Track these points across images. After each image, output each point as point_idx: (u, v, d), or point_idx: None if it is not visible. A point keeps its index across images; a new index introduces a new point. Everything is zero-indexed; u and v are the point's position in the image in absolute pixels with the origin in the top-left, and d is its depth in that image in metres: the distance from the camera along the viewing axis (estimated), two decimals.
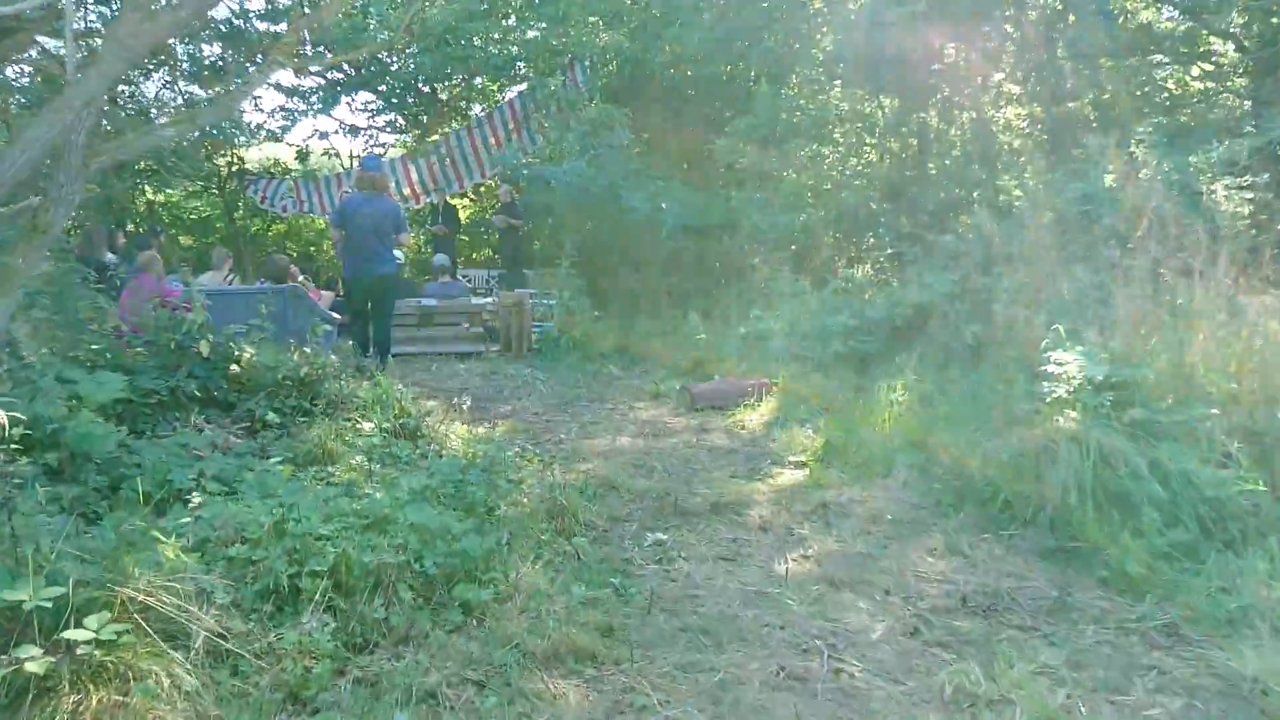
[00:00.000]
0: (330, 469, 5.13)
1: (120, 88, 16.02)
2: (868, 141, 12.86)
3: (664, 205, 11.60)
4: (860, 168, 12.48)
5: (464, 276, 15.34)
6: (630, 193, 11.33)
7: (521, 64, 13.56)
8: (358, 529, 3.74)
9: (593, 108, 12.10)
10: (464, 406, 7.18)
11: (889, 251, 11.20)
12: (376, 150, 16.46)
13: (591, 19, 12.81)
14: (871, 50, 11.11)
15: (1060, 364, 4.82)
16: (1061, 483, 4.20)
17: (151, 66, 15.31)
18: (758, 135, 12.22)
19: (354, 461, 5.13)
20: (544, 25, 12.92)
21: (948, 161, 11.64)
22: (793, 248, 12.16)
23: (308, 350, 6.40)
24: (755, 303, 10.82)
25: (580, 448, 6.42)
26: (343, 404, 6.23)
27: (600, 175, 11.39)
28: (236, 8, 14.97)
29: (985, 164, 10.94)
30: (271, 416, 5.89)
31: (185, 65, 14.75)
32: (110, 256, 10.74)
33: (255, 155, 18.15)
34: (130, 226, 16.86)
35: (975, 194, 10.85)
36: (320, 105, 14.25)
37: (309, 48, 14.72)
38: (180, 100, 15.63)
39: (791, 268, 10.44)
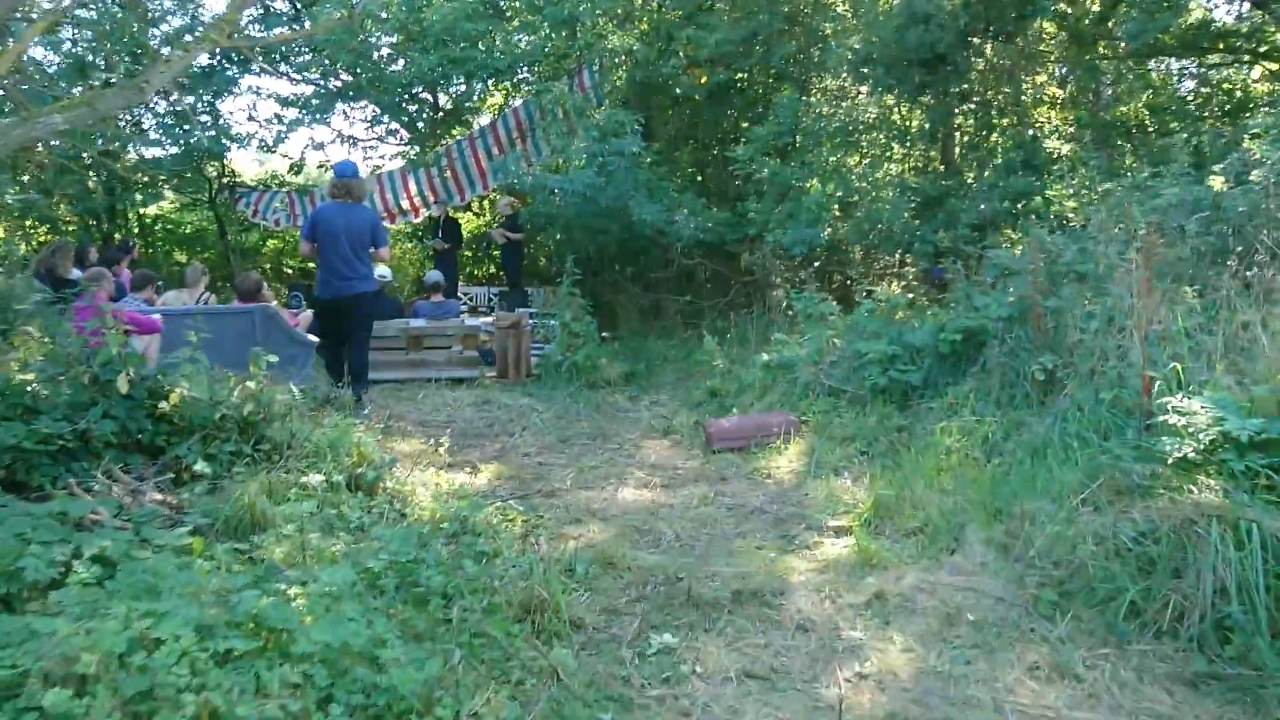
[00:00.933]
0: (256, 538, 4.04)
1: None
2: (897, 150, 11.75)
3: (677, 218, 10.50)
4: (890, 177, 11.35)
5: (466, 294, 14.31)
6: (641, 204, 10.25)
7: (525, 68, 12.49)
8: (244, 656, 2.63)
9: (601, 113, 11.03)
10: (442, 448, 6.07)
11: (924, 267, 10.07)
12: (377, 161, 15.47)
13: (600, 19, 11.75)
14: (903, 50, 10.01)
15: (1185, 413, 3.68)
16: (1214, 581, 3.05)
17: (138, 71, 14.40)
18: (779, 143, 11.13)
19: (286, 531, 4.02)
20: (550, 26, 11.85)
21: (988, 170, 10.51)
22: (816, 264, 11.08)
23: (252, 384, 5.30)
24: (777, 325, 9.71)
25: (575, 502, 5.29)
26: (292, 449, 5.13)
27: (609, 185, 10.31)
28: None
29: (1030, 172, 9.80)
30: (201, 466, 4.80)
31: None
32: (76, 273, 9.71)
33: (255, 169, 17.22)
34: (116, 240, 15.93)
35: (1020, 205, 9.72)
36: (314, 114, 13.24)
37: (310, 55, 13.78)
38: (166, 107, 14.71)
39: (817, 286, 9.30)
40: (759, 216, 10.77)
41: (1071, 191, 8.95)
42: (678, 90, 12.84)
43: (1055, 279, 6.61)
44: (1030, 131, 10.56)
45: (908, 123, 11.09)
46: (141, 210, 16.36)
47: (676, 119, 14.11)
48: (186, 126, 13.52)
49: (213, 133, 13.86)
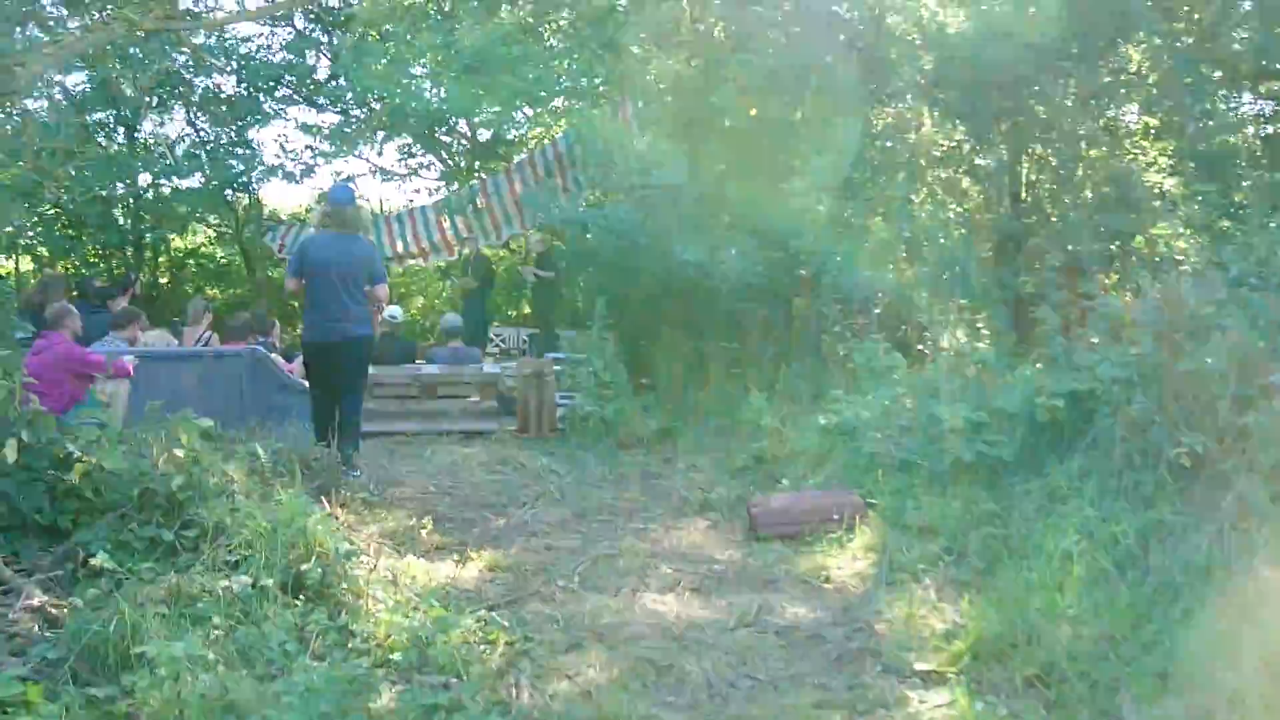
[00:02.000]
0: (127, 679, 2.91)
1: (144, 126, 14.54)
2: (969, 185, 10.48)
3: (724, 258, 9.33)
4: (962, 214, 10.09)
5: (498, 336, 13.27)
6: (683, 242, 9.10)
7: (563, 96, 11.50)
8: None
9: (642, 143, 9.96)
10: (424, 530, 4.93)
11: (1004, 315, 8.75)
12: (410, 195, 14.56)
13: (644, 44, 10.73)
14: (980, 71, 8.80)
15: None
16: None
17: (165, 97, 13.75)
18: (837, 178, 9.93)
19: (163, 672, 2.88)
20: (590, 51, 10.86)
21: (1074, 210, 9.21)
22: (877, 311, 9.80)
23: (181, 451, 4.20)
24: (834, 379, 8.45)
25: (580, 613, 4.08)
26: (225, 534, 4.01)
27: (648, 221, 9.20)
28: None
29: (1126, 208, 8.50)
30: (103, 558, 3.70)
31: (197, 97, 13.14)
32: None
33: (289, 202, 16.49)
34: (144, 274, 15.23)
35: (1117, 244, 8.41)
36: (343, 146, 12.38)
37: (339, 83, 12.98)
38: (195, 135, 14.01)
39: (884, 337, 8.05)
40: (815, 257, 9.57)
41: (1181, 230, 7.61)
42: (727, 122, 11.76)
43: (1176, 330, 5.32)
44: (1124, 163, 9.25)
45: (980, 154, 9.82)
46: (172, 243, 15.69)
47: (725, 153, 13.01)
48: (207, 156, 12.77)
49: (237, 164, 13.07)
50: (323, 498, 5.36)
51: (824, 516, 5.19)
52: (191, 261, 16.30)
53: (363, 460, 6.96)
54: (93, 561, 3.69)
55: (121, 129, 14.30)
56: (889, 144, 9.85)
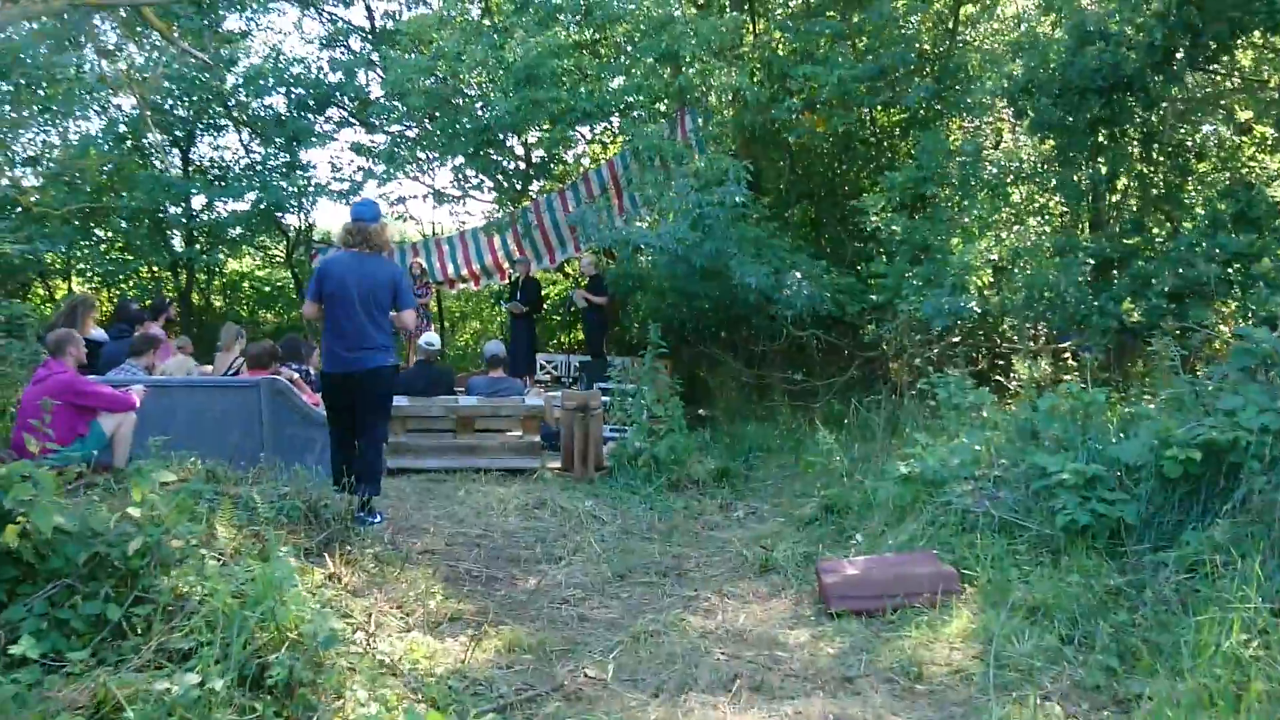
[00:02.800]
0: None
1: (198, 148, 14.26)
2: (1061, 202, 9.45)
3: (788, 282, 8.48)
4: (1054, 233, 9.07)
5: (549, 363, 12.54)
6: (744, 264, 8.28)
7: (618, 111, 10.77)
8: None
9: (701, 159, 9.19)
10: (436, 597, 4.16)
11: (1105, 347, 7.73)
12: (464, 217, 13.96)
13: (704, 56, 9.96)
14: (1076, 76, 7.84)
15: None
16: None
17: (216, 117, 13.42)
18: (913, 192, 9.02)
19: None
20: (646, 63, 10.12)
21: (1184, 230, 8.16)
22: (956, 340, 8.84)
23: (135, 510, 3.49)
24: (911, 417, 7.54)
25: None
26: (184, 612, 3.29)
27: (705, 242, 8.40)
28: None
29: (1246, 227, 7.43)
30: (27, 644, 3.02)
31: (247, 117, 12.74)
32: (97, 333, 8.35)
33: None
34: (197, 297, 14.91)
35: (1235, 267, 7.36)
36: (394, 165, 11.83)
37: (384, 100, 12.45)
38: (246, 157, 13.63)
39: (968, 370, 7.12)
40: (888, 281, 8.66)
41: None
42: (791, 138, 10.94)
43: None
44: (1241, 176, 8.17)
45: (1074, 167, 8.80)
46: (225, 265, 15.36)
47: (789, 171, 12.18)
48: (259, 178, 12.33)
49: (288, 185, 12.62)
50: (327, 554, 4.68)
51: (910, 590, 4.29)
52: (246, 284, 15.99)
53: (388, 503, 6.26)
54: (13, 649, 2.99)
55: (176, 151, 14.03)
56: (969, 159, 8.89)
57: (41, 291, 13.83)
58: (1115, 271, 8.19)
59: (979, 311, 8.14)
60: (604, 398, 8.70)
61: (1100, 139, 8.49)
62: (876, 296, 8.68)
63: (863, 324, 9.26)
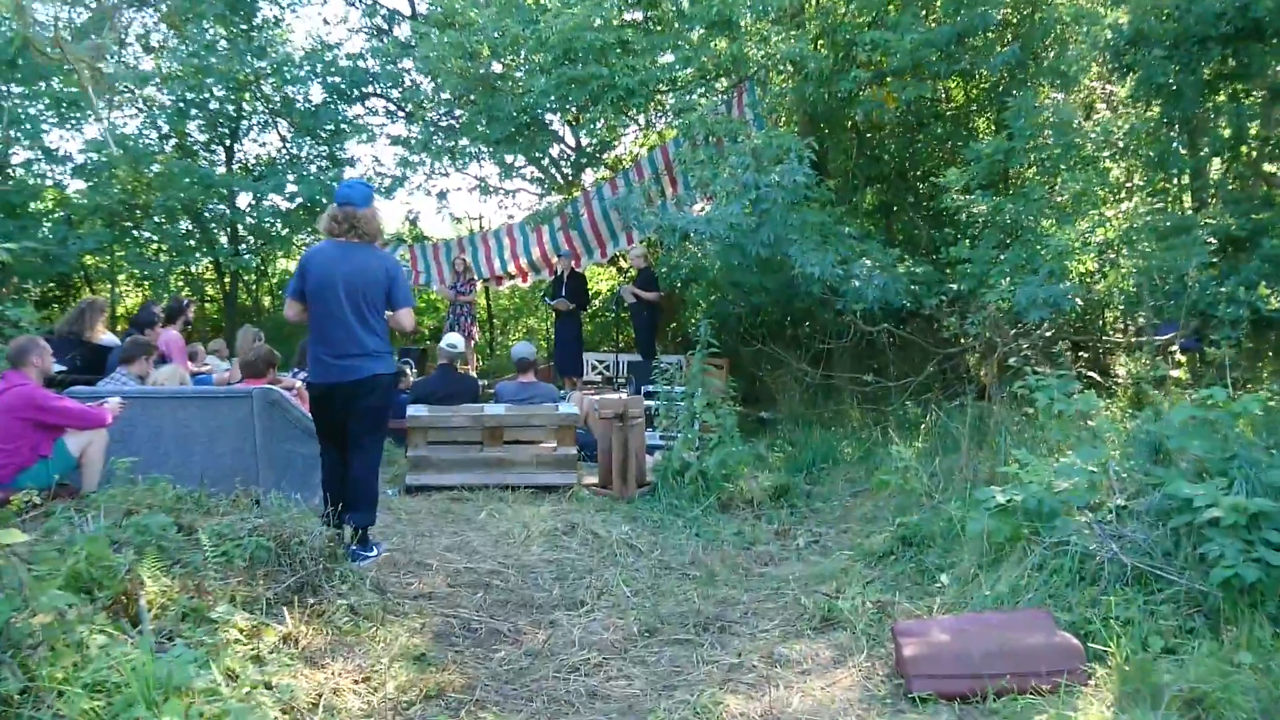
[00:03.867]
0: None
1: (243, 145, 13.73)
2: (1173, 174, 8.15)
3: (856, 272, 7.39)
4: (1168, 211, 7.78)
5: (600, 363, 11.64)
6: (806, 252, 7.22)
7: (666, 87, 9.76)
8: None
9: (759, 135, 8.13)
10: (406, 671, 3.26)
11: (1236, 340, 6.46)
12: (512, 210, 13.11)
13: (761, 22, 8.90)
14: (1195, 23, 6.59)
15: None
16: None
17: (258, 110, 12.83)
18: (996, 170, 7.83)
19: None
20: (698, 32, 9.09)
21: None
22: (1048, 334, 7.64)
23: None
24: (1002, 424, 6.40)
25: None
26: (61, 700, 2.44)
27: (763, 227, 7.36)
28: None
29: None
30: None
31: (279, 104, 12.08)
32: (106, 338, 7.72)
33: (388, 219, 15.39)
34: (244, 298, 14.40)
35: None
36: (434, 155, 11.04)
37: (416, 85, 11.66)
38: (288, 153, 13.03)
39: (1077, 373, 5.95)
40: (972, 267, 7.49)
41: None
42: (857, 114, 9.80)
43: None
44: None
45: (1190, 133, 7.51)
46: (276, 264, 14.86)
47: (856, 151, 11.02)
48: (301, 173, 11.68)
49: (330, 180, 11.94)
50: (289, 607, 3.81)
51: (1019, 668, 3.23)
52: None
53: (392, 531, 5.42)
54: None
55: (220, 149, 13.52)
56: (1063, 127, 7.66)
57: (88, 293, 13.45)
58: (1236, 253, 6.92)
59: (1080, 302, 6.94)
60: (649, 402, 7.76)
61: (1219, 98, 7.20)
62: (959, 285, 7.53)
63: (941, 317, 8.13)
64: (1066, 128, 7.53)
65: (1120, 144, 8.15)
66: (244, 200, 12.93)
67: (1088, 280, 7.26)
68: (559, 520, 5.83)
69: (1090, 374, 8.34)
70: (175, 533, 4.19)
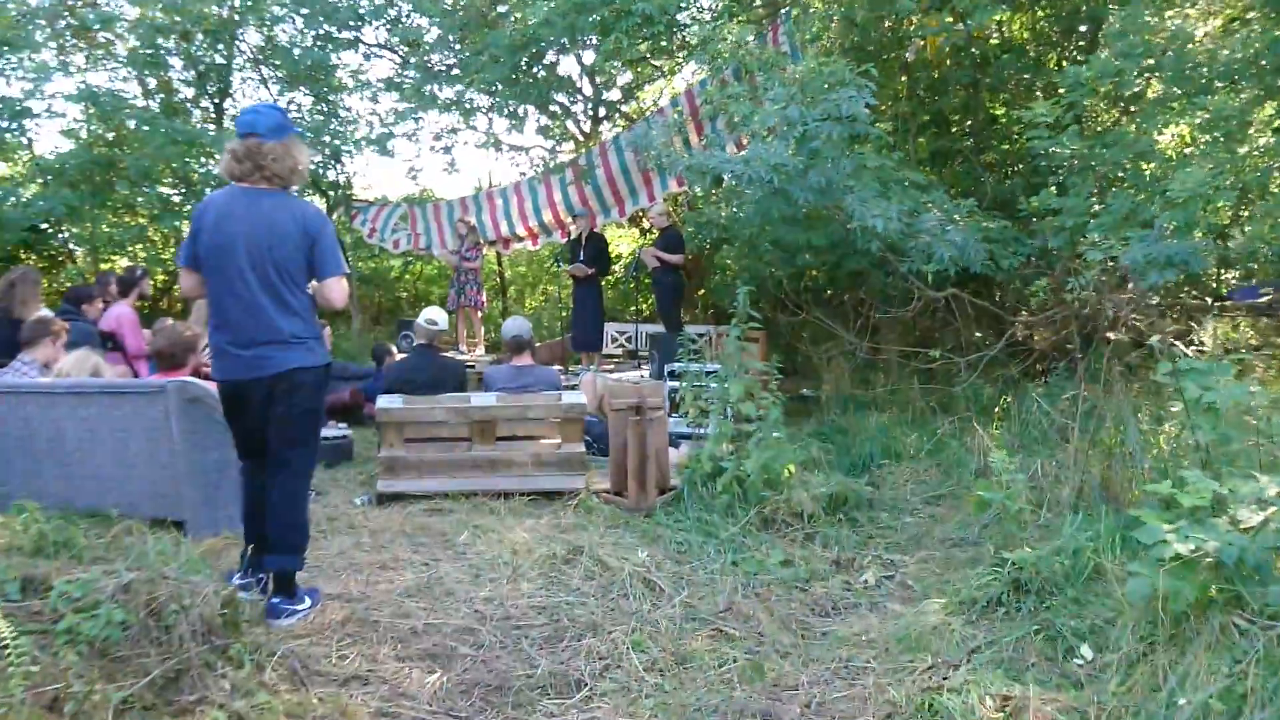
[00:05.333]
0: None
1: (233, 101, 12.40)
2: None
3: (926, 228, 5.93)
4: None
5: (621, 334, 10.28)
6: (866, 202, 5.75)
7: (687, 13, 8.25)
8: None
9: (807, 61, 6.62)
10: None
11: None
12: (524, 165, 11.66)
13: None
14: None
15: None
16: None
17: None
18: (1090, 104, 6.31)
19: None
20: None
21: None
22: (1157, 300, 6.17)
23: None
24: (1119, 416, 4.96)
25: None
26: None
27: (812, 170, 5.90)
28: None
29: None
30: None
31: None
32: (45, 312, 6.46)
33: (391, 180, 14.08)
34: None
35: None
36: (420, 103, 9.66)
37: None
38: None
39: (1219, 344, 4.50)
40: (1064, 219, 5.99)
41: None
42: (908, 51, 8.27)
43: None
44: None
45: None
46: None
47: (909, 92, 9.46)
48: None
49: (325, 135, 10.59)
50: (149, 712, 2.54)
51: None
52: None
53: (345, 560, 4.14)
54: None
55: (211, 106, 12.20)
56: (1179, 46, 6.09)
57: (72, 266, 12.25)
58: None
59: (1213, 259, 5.45)
60: (673, 384, 6.40)
61: None
62: (1051, 241, 6.04)
63: (1013, 280, 6.67)
64: (1184, 43, 5.98)
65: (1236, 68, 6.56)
66: None
67: (1224, 229, 5.74)
68: (560, 542, 4.51)
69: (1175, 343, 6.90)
70: (18, 592, 2.98)
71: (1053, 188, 6.43)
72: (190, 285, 3.54)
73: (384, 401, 5.30)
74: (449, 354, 9.65)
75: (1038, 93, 7.53)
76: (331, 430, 6.36)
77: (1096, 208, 5.96)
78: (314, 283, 3.52)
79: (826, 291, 8.30)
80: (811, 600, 3.94)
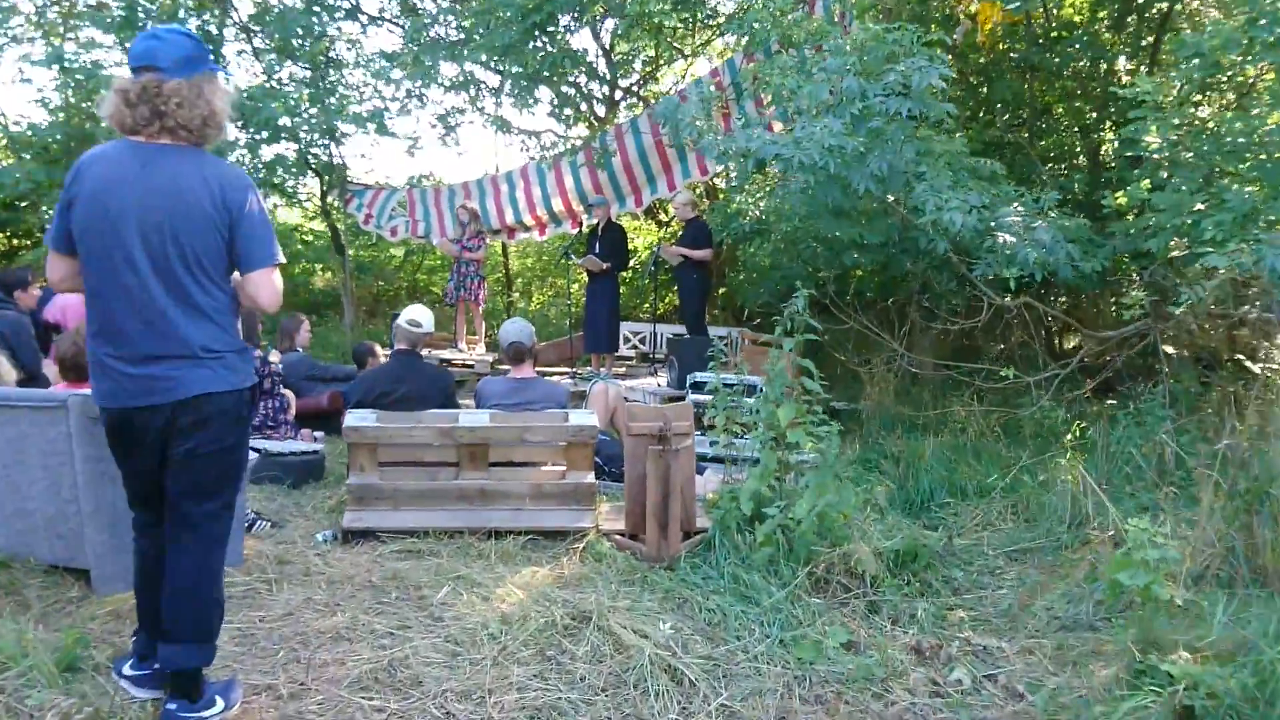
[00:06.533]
0: None
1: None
2: None
3: (1008, 227, 4.91)
4: None
5: (635, 334, 9.30)
6: (940, 192, 4.73)
7: None
8: None
9: (863, 27, 5.58)
10: None
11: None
12: (534, 153, 10.67)
13: None
14: None
15: None
16: None
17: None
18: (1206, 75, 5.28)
19: None
20: None
21: None
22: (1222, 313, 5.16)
23: None
24: (1239, 455, 3.94)
25: None
26: None
27: (873, 154, 4.88)
28: None
29: None
30: None
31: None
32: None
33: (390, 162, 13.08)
34: None
35: None
36: (418, 75, 8.69)
37: None
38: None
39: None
40: (1163, 218, 4.97)
41: None
42: (955, 32, 7.23)
43: None
44: None
45: None
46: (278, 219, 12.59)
47: (960, 77, 8.42)
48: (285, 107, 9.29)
49: (318, 114, 9.58)
50: None
51: None
52: (296, 238, 13.15)
53: (286, 629, 3.17)
54: None
55: None
56: None
57: None
58: None
59: None
60: (696, 396, 5.41)
61: None
62: (1151, 241, 5.02)
63: (1093, 288, 5.66)
64: None
65: None
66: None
67: None
68: (560, 603, 3.52)
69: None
70: None
71: (1143, 182, 5.40)
72: (61, 274, 2.54)
73: (354, 418, 4.31)
74: (443, 355, 8.69)
75: (1096, 81, 6.48)
76: (300, 445, 5.39)
77: (1199, 205, 4.97)
78: (235, 275, 2.53)
79: (867, 294, 7.29)
80: (890, 709, 2.94)
